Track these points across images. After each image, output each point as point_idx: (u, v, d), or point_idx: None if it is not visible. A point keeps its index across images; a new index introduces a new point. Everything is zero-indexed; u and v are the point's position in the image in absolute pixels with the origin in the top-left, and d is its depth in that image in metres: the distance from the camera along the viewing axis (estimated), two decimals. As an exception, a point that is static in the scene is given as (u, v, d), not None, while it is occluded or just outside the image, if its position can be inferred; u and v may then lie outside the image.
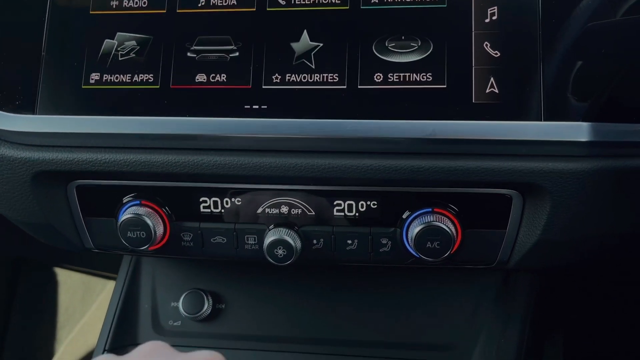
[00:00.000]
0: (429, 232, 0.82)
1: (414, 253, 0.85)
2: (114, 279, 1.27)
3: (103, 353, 1.07)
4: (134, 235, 0.88)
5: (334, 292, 1.08)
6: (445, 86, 0.78)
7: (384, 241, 0.87)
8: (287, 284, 1.10)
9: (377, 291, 1.07)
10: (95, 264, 2.09)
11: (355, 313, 1.06)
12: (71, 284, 2.49)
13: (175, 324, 1.10)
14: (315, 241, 0.88)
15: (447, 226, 0.82)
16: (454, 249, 0.84)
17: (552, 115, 0.76)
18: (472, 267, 0.91)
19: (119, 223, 0.88)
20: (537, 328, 1.06)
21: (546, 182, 0.77)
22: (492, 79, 0.78)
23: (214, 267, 1.12)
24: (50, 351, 2.45)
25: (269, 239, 0.86)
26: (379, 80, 0.80)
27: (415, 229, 0.82)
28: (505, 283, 1.04)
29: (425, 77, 0.79)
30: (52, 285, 2.44)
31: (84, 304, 2.55)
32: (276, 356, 1.07)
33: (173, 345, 1.09)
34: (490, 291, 1.04)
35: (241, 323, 1.09)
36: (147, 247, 0.89)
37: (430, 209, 0.83)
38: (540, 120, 0.76)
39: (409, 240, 0.84)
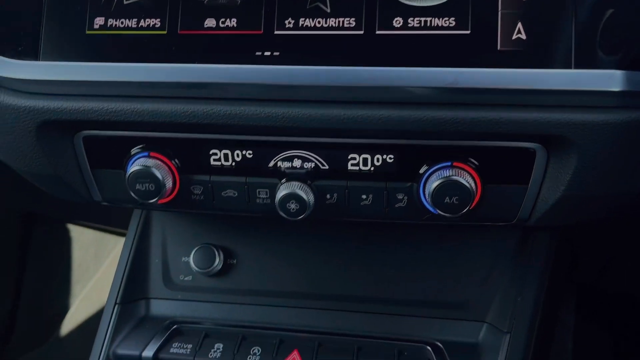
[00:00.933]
0: (448, 187, 0.78)
1: (430, 209, 0.82)
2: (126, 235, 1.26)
3: (114, 307, 1.07)
4: (142, 187, 0.85)
5: (347, 249, 1.06)
6: (468, 32, 0.74)
7: (400, 196, 0.84)
8: (299, 240, 1.08)
9: (390, 248, 1.05)
10: (107, 219, 2.09)
11: (368, 270, 1.05)
12: (84, 241, 2.51)
13: (186, 278, 1.10)
14: (328, 196, 0.86)
15: (466, 181, 0.78)
16: (472, 205, 0.81)
17: (583, 63, 0.71)
18: (490, 225, 0.88)
19: (127, 175, 0.85)
20: (554, 288, 1.04)
21: (574, 135, 0.73)
22: (519, 24, 0.73)
23: (225, 223, 1.10)
24: (64, 306, 2.49)
25: (281, 193, 0.83)
26: (398, 25, 0.75)
27: (433, 183, 0.79)
28: (523, 241, 1.01)
29: (447, 22, 0.74)
30: (65, 242, 2.46)
31: (97, 261, 2.58)
32: (287, 312, 1.06)
33: (184, 300, 1.09)
34: (507, 249, 1.01)
35: (253, 279, 1.08)
36: (157, 200, 0.87)
37: (449, 163, 0.80)
38: (570, 69, 0.71)
39: (426, 195, 0.81)
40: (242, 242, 1.10)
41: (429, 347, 0.98)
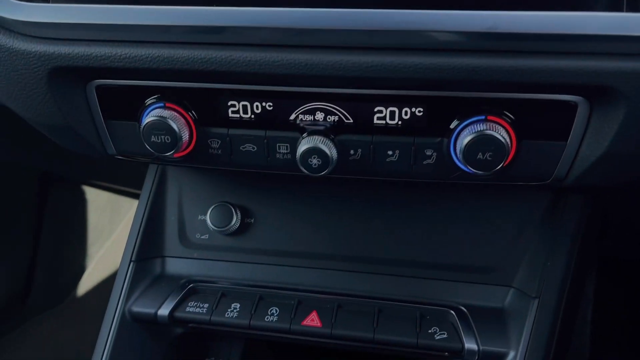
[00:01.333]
0: (481, 142, 0.74)
1: (461, 166, 0.78)
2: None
3: (130, 264, 1.05)
4: (158, 140, 0.82)
5: (369, 209, 1.02)
6: (509, -29, 0.67)
7: (429, 152, 0.79)
8: (319, 200, 1.04)
9: (414, 209, 1.01)
10: (122, 180, 2.08)
11: (390, 231, 1.01)
12: (99, 203, 2.51)
13: (202, 237, 1.07)
14: (352, 151, 0.81)
15: (501, 136, 0.73)
16: (506, 162, 0.76)
17: (636, 5, 0.65)
18: (523, 185, 0.83)
19: (142, 126, 0.81)
20: (583, 255, 0.99)
21: (622, 86, 0.67)
22: (565, -38, 0.66)
23: (243, 180, 1.07)
24: (81, 267, 2.51)
25: (302, 147, 0.79)
26: (433, -35, 0.69)
27: (465, 138, 0.74)
28: (554, 204, 0.96)
29: (486, -40, 0.68)
30: (80, 203, 2.46)
31: (113, 222, 2.58)
32: (306, 273, 1.03)
33: (200, 259, 1.07)
34: (537, 212, 0.97)
35: (271, 239, 1.05)
36: (173, 153, 0.83)
37: (483, 117, 0.75)
38: (622, 12, 0.65)
39: (457, 151, 0.76)
40: (260, 201, 1.06)
41: (452, 311, 0.95)
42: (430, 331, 0.92)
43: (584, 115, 0.73)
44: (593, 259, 1.49)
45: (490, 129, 0.73)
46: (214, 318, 0.98)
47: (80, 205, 2.45)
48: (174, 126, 0.81)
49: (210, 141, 0.84)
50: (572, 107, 0.73)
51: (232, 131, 0.83)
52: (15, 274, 2.26)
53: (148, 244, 1.06)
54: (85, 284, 2.47)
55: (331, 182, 1.03)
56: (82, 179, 2.29)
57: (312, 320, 0.96)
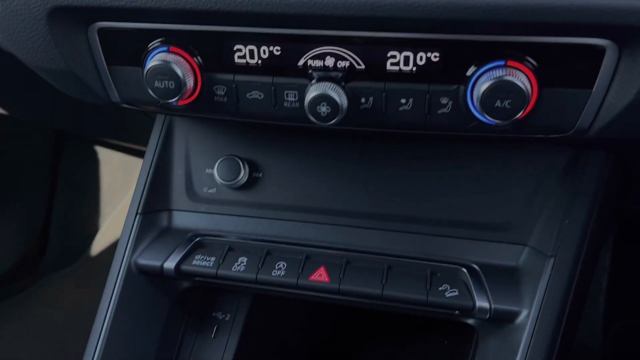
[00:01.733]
0: (500, 88, 0.69)
1: (478, 115, 0.74)
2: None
3: (136, 216, 1.03)
4: (162, 85, 0.79)
5: (380, 164, 0.98)
6: None
7: (444, 101, 0.75)
8: (328, 155, 1.01)
9: (427, 165, 0.97)
10: (134, 139, 2.06)
11: (401, 187, 0.98)
12: (112, 164, 2.51)
13: (209, 191, 1.05)
14: (363, 99, 0.77)
15: (521, 82, 0.69)
16: (526, 111, 0.72)
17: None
18: (542, 137, 0.79)
19: (145, 71, 0.79)
20: (602, 215, 0.95)
21: (656, 26, 0.62)
22: None
23: (250, 134, 1.04)
24: (94, 226, 2.53)
25: (311, 94, 0.76)
26: None
27: (483, 85, 0.70)
28: (574, 160, 0.92)
29: None
30: (93, 164, 2.46)
31: (126, 183, 2.59)
32: (315, 229, 1.01)
33: (207, 213, 1.05)
34: (556, 169, 0.92)
35: (279, 193, 1.02)
36: (177, 100, 0.80)
37: (502, 62, 0.70)
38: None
39: (474, 99, 0.72)
40: (269, 155, 1.03)
41: (464, 269, 0.92)
42: (440, 289, 0.90)
43: (611, 60, 0.68)
44: (611, 221, 1.45)
45: (509, 75, 0.69)
46: (221, 272, 0.96)
47: (93, 166, 2.46)
48: (178, 71, 0.78)
49: (216, 88, 0.81)
50: (599, 52, 0.68)
51: (238, 77, 0.80)
52: (30, 232, 2.29)
53: (155, 197, 1.05)
54: (99, 244, 2.49)
55: (341, 136, 1.00)
56: (95, 136, 2.28)
57: (320, 276, 0.94)
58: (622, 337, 1.94)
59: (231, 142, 1.04)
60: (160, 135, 1.06)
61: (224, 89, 0.81)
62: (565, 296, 0.88)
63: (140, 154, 2.45)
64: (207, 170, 1.05)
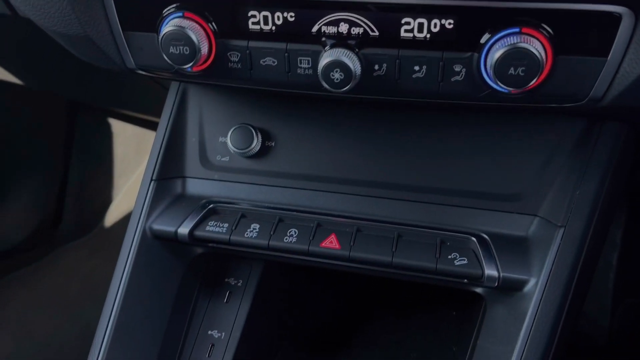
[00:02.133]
0: (514, 55, 0.69)
1: (491, 83, 0.74)
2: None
3: (150, 183, 1.05)
4: (176, 51, 0.79)
5: (392, 134, 0.99)
6: None
7: (457, 68, 0.75)
8: (341, 125, 1.01)
9: (439, 134, 0.97)
10: (147, 110, 2.08)
11: (413, 156, 0.98)
12: (125, 136, 2.53)
13: (223, 159, 1.06)
14: (377, 66, 0.78)
15: (536, 49, 0.69)
16: (540, 79, 0.71)
17: None
18: (555, 106, 0.78)
19: (160, 36, 0.79)
20: (614, 188, 0.95)
21: (674, -9, 0.62)
22: None
23: (264, 103, 1.04)
24: (108, 197, 2.56)
25: (324, 60, 0.76)
26: None
27: (497, 52, 0.70)
28: (587, 131, 0.91)
29: None
30: (107, 136, 2.48)
31: (139, 155, 2.61)
32: (326, 197, 1.02)
33: (221, 181, 1.06)
34: (568, 140, 0.92)
35: (291, 162, 1.03)
36: (191, 66, 0.81)
37: (517, 29, 0.70)
38: None
39: (488, 67, 0.72)
40: (281, 124, 1.04)
41: (473, 238, 0.93)
42: (450, 257, 0.91)
43: (627, 28, 0.68)
44: (623, 195, 1.45)
45: (524, 42, 0.69)
46: (234, 237, 0.98)
47: (107, 138, 2.48)
48: (193, 37, 0.78)
49: (230, 54, 0.82)
50: (615, 20, 0.68)
51: (252, 44, 0.80)
52: (46, 203, 2.32)
53: (169, 164, 1.06)
54: (113, 215, 2.53)
55: (353, 106, 1.00)
56: (109, 107, 2.29)
57: (331, 243, 0.95)
58: (631, 314, 1.95)
59: (244, 111, 1.05)
60: (174, 103, 1.07)
61: (237, 55, 0.82)
62: (574, 266, 0.88)
63: (153, 126, 2.47)
64: (220, 139, 1.06)
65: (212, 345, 1.11)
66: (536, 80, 0.71)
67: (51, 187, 2.33)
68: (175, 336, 1.10)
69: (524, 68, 0.70)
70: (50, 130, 2.30)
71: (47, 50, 1.67)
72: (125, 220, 2.40)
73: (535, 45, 0.69)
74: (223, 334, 1.11)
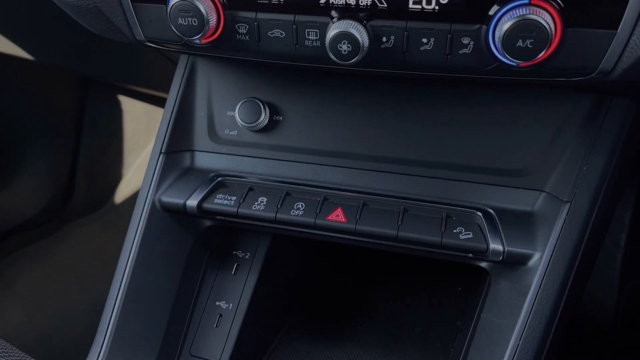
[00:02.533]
0: (523, 27, 0.69)
1: (499, 55, 0.73)
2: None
3: (159, 156, 1.06)
4: (185, 22, 0.80)
5: (398, 109, 0.99)
6: None
7: (466, 41, 0.75)
8: (348, 99, 1.01)
9: (446, 109, 0.97)
10: (156, 85, 2.08)
11: (420, 131, 0.98)
12: (136, 113, 2.54)
13: (231, 133, 1.07)
14: (384, 38, 0.77)
15: (545, 21, 0.68)
16: (548, 52, 0.71)
17: None
18: (564, 80, 0.78)
19: (169, 7, 0.79)
20: (622, 166, 0.95)
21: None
22: None
23: (272, 78, 1.04)
24: (118, 174, 2.58)
25: (332, 31, 0.76)
26: None
27: (506, 24, 0.70)
28: (595, 107, 0.91)
29: None
30: (117, 113, 2.49)
31: (148, 133, 2.62)
32: (333, 171, 1.03)
33: (229, 154, 1.07)
34: (576, 115, 0.92)
35: (299, 136, 1.04)
36: (200, 37, 0.81)
37: (527, 1, 0.70)
38: None
39: (496, 39, 0.72)
40: (289, 98, 1.04)
41: (479, 213, 0.94)
42: (455, 231, 0.92)
43: (638, 0, 0.67)
44: (631, 176, 1.44)
45: (533, 14, 0.68)
46: (241, 210, 0.99)
47: (117, 114, 2.49)
48: (201, 8, 0.78)
49: (238, 26, 0.82)
50: (626, -10, 0.67)
51: (260, 15, 0.80)
52: (57, 178, 2.35)
53: (177, 138, 1.07)
54: (123, 191, 2.55)
55: (360, 80, 1.00)
56: (119, 83, 2.30)
57: (337, 216, 0.96)
58: (637, 295, 1.95)
59: (252, 85, 1.06)
60: (183, 77, 1.08)
61: (246, 27, 0.82)
62: (579, 241, 0.89)
63: (163, 103, 2.48)
64: (228, 113, 1.06)
65: (220, 315, 1.13)
66: (545, 53, 0.71)
67: (62, 163, 2.36)
68: (183, 306, 1.12)
69: (532, 40, 0.69)
70: (61, 106, 2.32)
71: (58, 25, 1.68)
72: (135, 196, 2.42)
73: (545, 17, 0.69)
74: (230, 304, 1.13)
